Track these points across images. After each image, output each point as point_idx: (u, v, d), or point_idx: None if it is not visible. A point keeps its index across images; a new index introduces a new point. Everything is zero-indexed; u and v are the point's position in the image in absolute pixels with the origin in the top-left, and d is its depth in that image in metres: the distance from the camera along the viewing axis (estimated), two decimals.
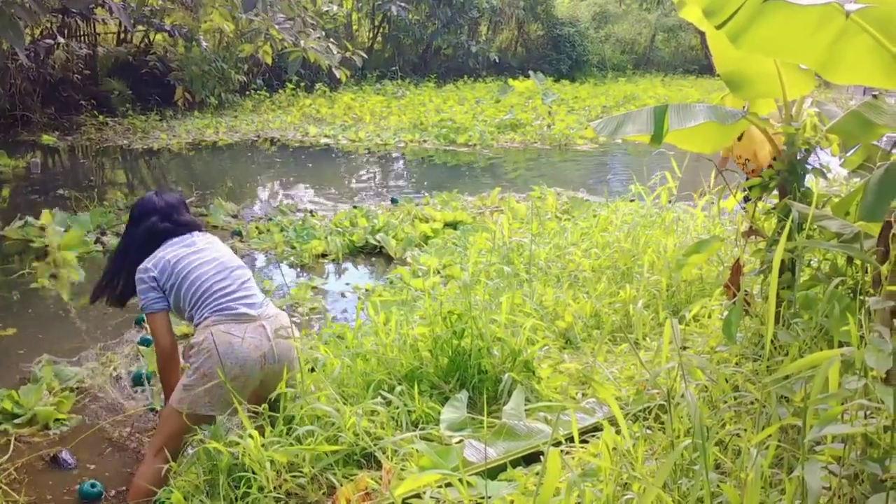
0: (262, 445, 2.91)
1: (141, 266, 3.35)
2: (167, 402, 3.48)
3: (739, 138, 6.48)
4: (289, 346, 3.35)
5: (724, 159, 6.86)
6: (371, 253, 7.25)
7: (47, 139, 13.47)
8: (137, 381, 4.36)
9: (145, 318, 3.41)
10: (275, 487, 2.85)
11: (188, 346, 3.27)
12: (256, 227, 7.91)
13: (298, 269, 6.75)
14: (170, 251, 3.39)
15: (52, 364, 4.47)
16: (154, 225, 3.48)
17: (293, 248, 7.19)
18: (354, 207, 8.72)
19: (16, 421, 3.90)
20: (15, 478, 3.45)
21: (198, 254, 3.41)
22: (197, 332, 3.24)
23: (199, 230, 3.58)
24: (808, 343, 2.75)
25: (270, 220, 8.28)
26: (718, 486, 2.00)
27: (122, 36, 17.37)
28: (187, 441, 3.18)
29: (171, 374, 3.40)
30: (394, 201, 9.30)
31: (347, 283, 6.39)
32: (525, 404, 3.36)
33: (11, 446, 3.69)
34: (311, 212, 8.81)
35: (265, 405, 3.20)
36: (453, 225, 7.83)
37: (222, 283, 3.33)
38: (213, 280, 3.33)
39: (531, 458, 2.96)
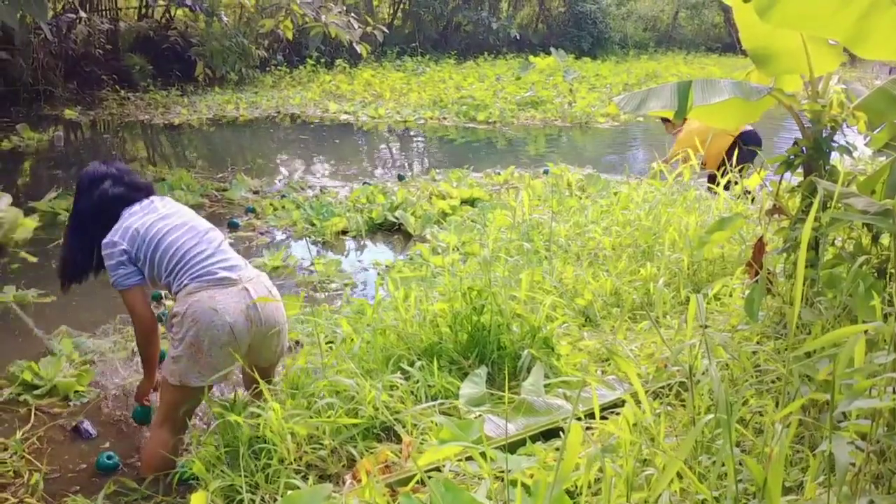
0: (283, 418, 2.94)
1: (106, 240, 3.23)
2: (148, 376, 3.49)
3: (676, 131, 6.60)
4: (275, 308, 3.27)
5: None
6: (390, 230, 7.24)
7: (70, 113, 13.55)
8: None
9: (121, 295, 3.28)
10: (295, 459, 2.88)
11: (171, 316, 3.17)
12: (271, 204, 7.89)
13: (320, 246, 6.76)
14: (135, 220, 3.26)
15: (69, 337, 4.50)
16: (107, 191, 3.34)
17: (313, 224, 7.18)
18: (365, 184, 8.71)
19: (35, 392, 3.93)
20: (38, 447, 3.49)
21: (165, 219, 3.28)
22: (178, 301, 3.14)
23: (154, 194, 3.45)
24: (831, 321, 2.73)
25: (284, 196, 8.27)
26: (741, 462, 2.00)
27: (144, 11, 17.41)
28: (190, 411, 3.22)
29: (151, 348, 3.38)
30: (400, 178, 9.28)
31: (365, 260, 6.40)
32: (544, 380, 3.36)
33: (32, 416, 3.73)
34: (322, 189, 8.80)
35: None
36: (470, 202, 7.81)
37: (198, 248, 3.22)
38: (189, 245, 3.21)
39: (550, 434, 2.97)
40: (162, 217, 3.29)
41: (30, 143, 11.10)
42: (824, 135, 3.36)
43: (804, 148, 3.39)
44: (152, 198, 3.41)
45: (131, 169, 3.56)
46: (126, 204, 3.34)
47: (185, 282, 3.14)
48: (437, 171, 9.42)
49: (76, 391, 3.95)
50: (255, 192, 8.59)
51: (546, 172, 9.01)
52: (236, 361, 3.15)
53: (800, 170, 3.46)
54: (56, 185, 8.06)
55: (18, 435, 3.51)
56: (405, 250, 6.56)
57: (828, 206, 2.93)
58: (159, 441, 3.19)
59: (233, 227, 7.18)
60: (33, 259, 6.04)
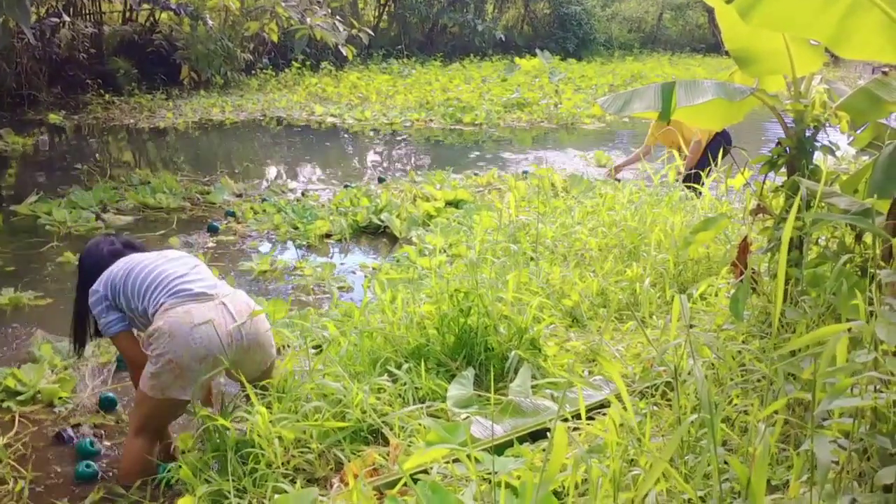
0: (270, 422, 2.93)
1: (91, 290, 3.29)
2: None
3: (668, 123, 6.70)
4: (258, 322, 3.26)
5: (647, 147, 7.26)
6: (375, 233, 7.22)
7: (54, 118, 13.47)
8: (122, 364, 4.35)
9: (112, 342, 3.40)
10: (283, 463, 2.87)
11: (147, 335, 3.14)
12: (251, 208, 7.86)
13: (304, 249, 6.74)
14: (116, 266, 3.33)
15: (48, 342, 4.45)
16: (102, 250, 3.48)
17: (295, 228, 7.16)
18: (346, 187, 8.69)
19: (19, 398, 3.90)
20: (22, 454, 3.47)
21: (142, 255, 3.39)
22: (155, 318, 3.11)
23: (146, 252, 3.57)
24: (815, 320, 2.75)
25: (265, 200, 8.24)
26: (726, 462, 2.00)
27: (128, 14, 17.33)
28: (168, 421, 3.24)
29: None
30: (380, 180, 9.27)
31: (351, 263, 6.39)
32: (531, 381, 3.37)
33: (16, 423, 3.71)
34: (304, 192, 8.78)
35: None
36: (454, 203, 7.81)
37: (172, 268, 3.25)
38: (161, 267, 3.25)
39: (537, 435, 2.97)
40: (141, 256, 3.38)
41: (15, 147, 11.05)
42: (807, 134, 3.37)
43: (787, 148, 3.40)
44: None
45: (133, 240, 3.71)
46: (119, 257, 3.41)
47: (161, 300, 3.13)
48: (417, 172, 9.43)
49: (60, 397, 3.93)
50: (239, 196, 8.57)
51: (525, 173, 9.04)
52: (217, 373, 3.15)
53: (783, 169, 3.48)
54: (37, 189, 8.03)
55: (2, 441, 3.49)
56: (391, 253, 6.55)
57: (811, 205, 2.94)
58: (136, 450, 3.16)
59: (212, 230, 7.15)
60: None
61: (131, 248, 3.53)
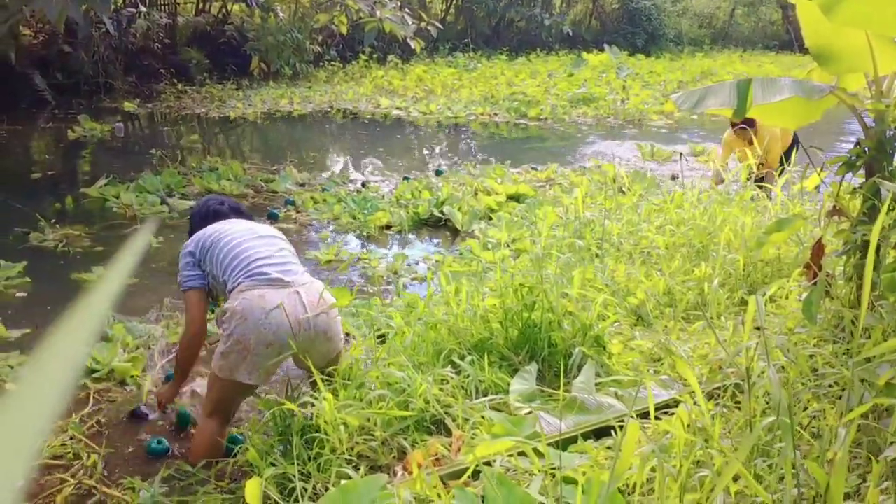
0: (336, 408, 2.97)
1: (185, 243, 3.48)
2: (176, 381, 3.61)
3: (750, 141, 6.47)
4: (326, 315, 3.28)
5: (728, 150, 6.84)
6: (436, 225, 7.24)
7: (129, 106, 13.83)
8: None
9: (183, 295, 3.47)
10: (347, 449, 2.91)
11: (221, 312, 3.24)
12: (312, 198, 7.94)
13: (364, 240, 6.78)
14: (212, 226, 3.48)
15: (121, 323, 4.56)
16: (208, 207, 3.67)
17: (355, 218, 7.21)
18: (405, 179, 8.71)
19: (94, 375, 4.03)
20: (96, 430, 3.58)
21: (233, 224, 3.50)
22: (230, 297, 3.21)
23: (248, 219, 3.69)
24: (892, 326, 2.68)
25: (325, 190, 8.31)
26: (802, 464, 1.97)
27: (201, 6, 17.71)
28: (238, 403, 3.30)
29: (190, 354, 3.46)
30: (438, 173, 9.27)
31: (413, 255, 6.41)
32: (595, 379, 3.34)
33: (91, 400, 3.83)
34: (364, 183, 8.84)
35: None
36: (516, 198, 7.79)
37: (257, 249, 3.32)
38: (248, 244, 3.33)
39: (601, 433, 2.95)
40: (231, 223, 3.50)
41: (93, 133, 11.38)
42: (888, 135, 3.28)
43: (866, 148, 3.31)
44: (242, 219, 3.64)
45: (239, 203, 3.89)
46: (221, 218, 3.58)
47: (240, 279, 3.21)
48: (475, 166, 9.42)
49: (132, 376, 4.04)
50: (302, 185, 8.67)
51: (584, 168, 8.98)
52: (283, 360, 3.21)
53: (861, 171, 3.38)
54: (107, 173, 8.27)
55: (76, 418, 3.61)
56: (453, 246, 6.56)
57: (891, 207, 2.86)
58: (208, 431, 3.24)
59: (272, 217, 7.25)
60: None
61: (236, 211, 3.70)
